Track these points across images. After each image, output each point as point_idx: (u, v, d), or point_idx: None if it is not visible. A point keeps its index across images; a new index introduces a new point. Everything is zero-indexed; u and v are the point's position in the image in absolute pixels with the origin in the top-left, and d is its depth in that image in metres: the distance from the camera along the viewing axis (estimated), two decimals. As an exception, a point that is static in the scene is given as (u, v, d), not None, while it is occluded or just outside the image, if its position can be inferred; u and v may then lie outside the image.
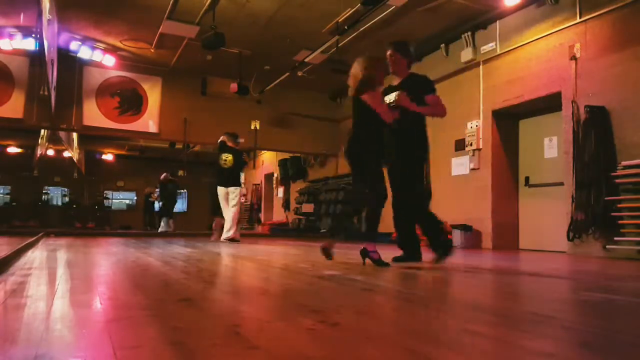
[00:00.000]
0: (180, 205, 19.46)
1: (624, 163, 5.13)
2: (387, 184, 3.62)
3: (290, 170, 13.34)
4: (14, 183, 17.46)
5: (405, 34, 7.60)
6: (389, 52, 3.80)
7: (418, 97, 3.62)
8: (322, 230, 10.72)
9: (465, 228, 7.01)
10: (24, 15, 7.32)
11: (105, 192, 19.24)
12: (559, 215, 5.95)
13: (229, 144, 7.40)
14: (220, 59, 8.86)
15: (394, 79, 3.91)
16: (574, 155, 5.62)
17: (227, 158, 7.26)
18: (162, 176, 11.99)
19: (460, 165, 7.51)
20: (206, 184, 11.51)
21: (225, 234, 7.08)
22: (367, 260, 3.38)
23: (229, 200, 7.18)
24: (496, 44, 7.00)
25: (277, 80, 9.58)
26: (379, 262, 3.33)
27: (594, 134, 5.38)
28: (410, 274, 3.06)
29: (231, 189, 7.20)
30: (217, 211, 7.46)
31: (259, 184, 16.15)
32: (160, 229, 11.41)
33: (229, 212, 7.13)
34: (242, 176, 17.08)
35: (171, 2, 6.93)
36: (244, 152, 7.56)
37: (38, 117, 8.91)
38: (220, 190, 7.23)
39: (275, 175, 14.65)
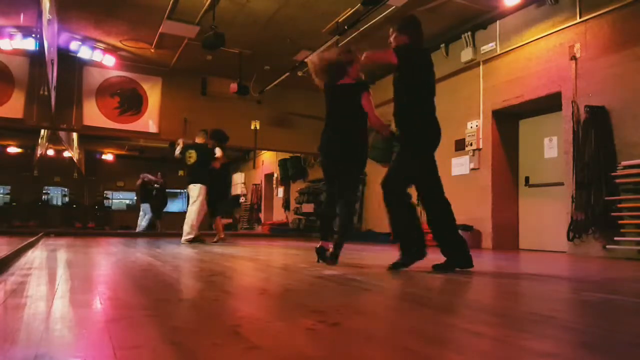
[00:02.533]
0: (180, 206, 19.51)
1: (624, 163, 5.13)
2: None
3: (290, 170, 13.34)
4: (14, 183, 17.47)
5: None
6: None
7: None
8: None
9: (465, 228, 7.00)
10: (24, 15, 7.32)
11: (105, 192, 19.25)
12: (559, 215, 5.95)
13: (198, 140, 7.13)
14: (220, 59, 8.86)
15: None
16: (574, 155, 5.62)
17: (191, 154, 6.95)
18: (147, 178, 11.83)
19: (460, 165, 7.51)
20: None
21: (185, 236, 6.75)
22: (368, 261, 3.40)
23: (190, 198, 6.97)
24: (496, 44, 7.00)
25: (277, 80, 9.58)
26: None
27: (594, 134, 5.38)
28: (409, 274, 3.06)
29: (191, 186, 6.94)
30: (214, 212, 7.32)
31: (259, 184, 16.15)
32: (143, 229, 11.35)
33: (188, 211, 6.90)
34: (242, 176, 17.15)
35: (171, 2, 6.93)
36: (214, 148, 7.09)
37: (38, 117, 8.91)
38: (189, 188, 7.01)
39: (275, 175, 14.65)
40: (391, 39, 3.44)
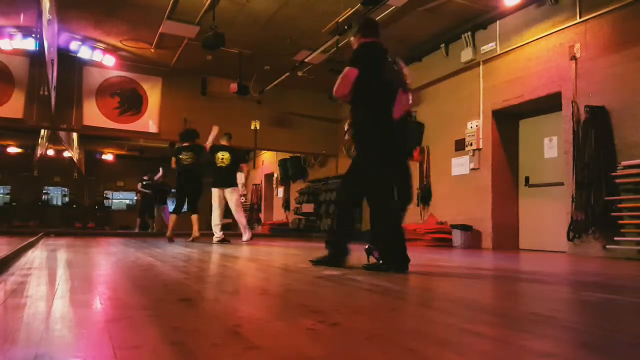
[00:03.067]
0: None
1: (624, 163, 5.13)
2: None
3: (290, 170, 13.34)
4: (14, 183, 17.47)
5: (405, 34, 7.62)
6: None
7: None
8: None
9: (465, 228, 7.01)
10: (24, 15, 7.32)
11: (105, 192, 19.25)
12: (559, 215, 5.95)
13: (224, 143, 7.19)
14: (220, 59, 8.86)
15: None
16: (574, 155, 5.62)
17: (224, 156, 7.00)
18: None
19: (460, 165, 7.51)
20: (207, 184, 11.36)
21: (244, 237, 7.10)
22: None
23: (231, 202, 7.05)
24: (496, 44, 7.00)
25: (277, 80, 9.59)
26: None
27: (594, 134, 5.39)
28: (410, 274, 3.06)
29: (229, 190, 7.03)
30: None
31: (259, 184, 16.16)
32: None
33: (238, 216, 7.13)
34: (242, 176, 17.12)
35: (171, 2, 6.94)
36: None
37: (38, 117, 8.91)
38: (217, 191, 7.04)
39: (275, 175, 14.65)
40: (353, 46, 3.43)
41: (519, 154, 7.16)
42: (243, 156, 7.35)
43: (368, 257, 3.34)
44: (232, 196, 7.06)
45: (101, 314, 1.60)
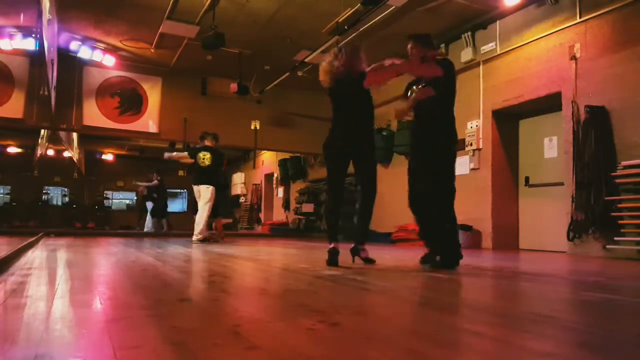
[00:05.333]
0: (180, 206, 19.49)
1: (624, 163, 5.13)
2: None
3: (290, 170, 13.34)
4: (14, 183, 17.47)
5: (405, 34, 7.60)
6: (409, 45, 3.80)
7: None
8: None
9: (465, 228, 7.00)
10: (24, 15, 7.31)
11: (105, 192, 19.26)
12: (559, 215, 5.95)
13: (208, 143, 7.37)
14: (220, 59, 8.86)
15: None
16: (574, 155, 5.62)
17: (205, 156, 7.20)
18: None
19: (460, 165, 7.49)
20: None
21: (195, 236, 6.98)
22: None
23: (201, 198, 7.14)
24: (496, 44, 7.00)
25: (277, 80, 9.58)
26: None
27: (594, 134, 5.38)
28: (410, 274, 3.06)
29: (203, 187, 7.15)
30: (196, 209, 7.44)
31: (259, 184, 16.15)
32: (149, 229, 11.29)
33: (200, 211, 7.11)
34: (242, 176, 17.12)
35: (171, 2, 6.93)
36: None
37: (38, 117, 8.91)
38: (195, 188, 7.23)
39: (275, 175, 14.65)
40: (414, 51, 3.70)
41: (519, 154, 7.15)
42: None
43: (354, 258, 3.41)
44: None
45: (101, 314, 1.60)
